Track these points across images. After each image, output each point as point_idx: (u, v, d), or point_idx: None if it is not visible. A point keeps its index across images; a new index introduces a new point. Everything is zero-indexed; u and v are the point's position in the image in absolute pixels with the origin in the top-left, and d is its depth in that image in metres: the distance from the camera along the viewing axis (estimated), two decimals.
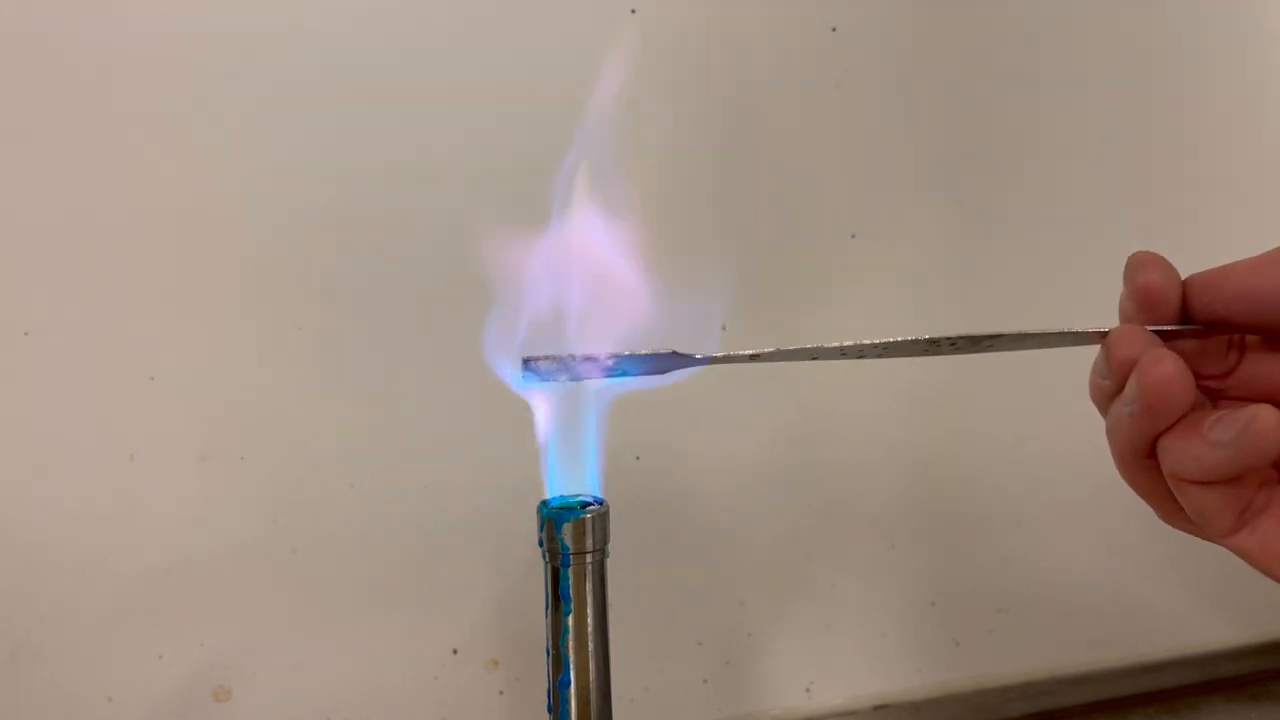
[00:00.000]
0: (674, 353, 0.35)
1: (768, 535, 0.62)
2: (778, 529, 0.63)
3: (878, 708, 0.65)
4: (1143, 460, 0.33)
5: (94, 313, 0.51)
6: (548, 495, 0.36)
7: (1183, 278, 0.33)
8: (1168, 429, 0.31)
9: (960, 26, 0.63)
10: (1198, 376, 0.34)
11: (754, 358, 0.35)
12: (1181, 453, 0.31)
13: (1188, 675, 0.71)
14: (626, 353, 0.34)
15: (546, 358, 0.34)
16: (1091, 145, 0.65)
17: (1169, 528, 0.67)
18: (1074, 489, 0.67)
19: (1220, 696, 0.70)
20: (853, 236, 0.61)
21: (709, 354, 0.35)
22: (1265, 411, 0.29)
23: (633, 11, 0.56)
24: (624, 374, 0.34)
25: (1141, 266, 0.33)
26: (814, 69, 0.60)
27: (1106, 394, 0.33)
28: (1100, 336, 0.34)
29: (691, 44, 0.58)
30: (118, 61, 0.49)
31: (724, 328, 0.60)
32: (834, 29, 0.60)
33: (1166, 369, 0.30)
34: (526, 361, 0.34)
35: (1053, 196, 0.65)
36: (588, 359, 0.34)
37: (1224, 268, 0.33)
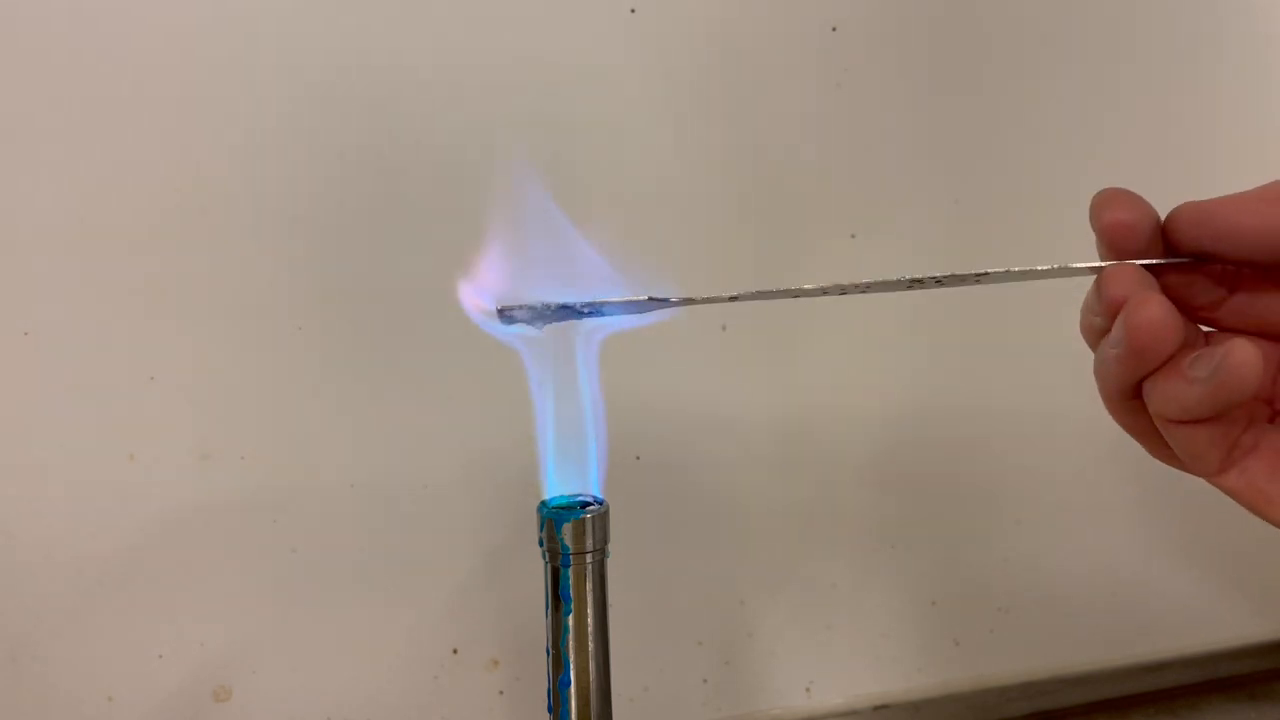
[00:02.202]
0: (650, 298, 0.35)
1: (768, 535, 0.62)
2: (778, 529, 0.63)
3: (878, 708, 0.65)
4: (1129, 401, 0.32)
5: (94, 313, 0.51)
6: (547, 495, 0.36)
7: (1167, 212, 0.33)
8: (1154, 370, 0.31)
9: (960, 26, 0.63)
10: (1189, 307, 0.33)
11: (733, 298, 0.35)
12: (1164, 392, 0.30)
13: (1188, 675, 0.71)
14: (602, 300, 0.34)
15: (521, 306, 0.34)
16: (1093, 145, 0.65)
17: (1170, 527, 0.67)
18: (1075, 489, 0.67)
19: (1220, 696, 0.70)
20: (853, 236, 0.61)
21: (686, 296, 0.35)
22: (1240, 346, 0.28)
23: (632, 11, 0.56)
24: (600, 313, 0.34)
25: (1108, 204, 0.33)
26: (814, 69, 0.60)
27: (1096, 330, 0.33)
28: (1094, 271, 0.33)
29: (691, 44, 0.58)
30: (117, 61, 0.49)
31: (724, 328, 0.60)
32: (834, 29, 0.60)
33: (1153, 312, 0.30)
34: (501, 310, 0.34)
35: (1054, 196, 0.65)
36: (563, 307, 0.34)
37: (1213, 201, 0.32)
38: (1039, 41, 0.64)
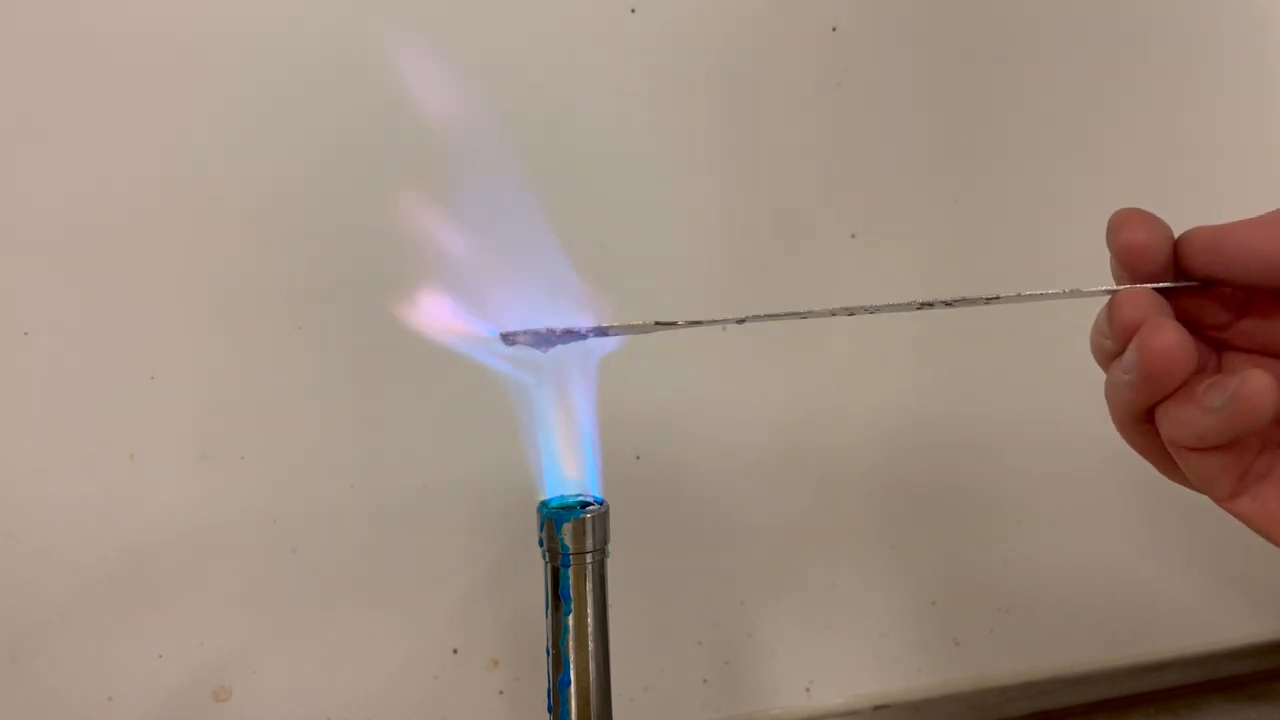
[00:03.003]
0: (656, 322, 0.35)
1: (768, 535, 0.62)
2: (778, 529, 0.63)
3: (878, 708, 0.65)
4: (1141, 425, 0.32)
5: (94, 313, 0.51)
6: (547, 495, 0.36)
7: (1178, 234, 0.33)
8: (1166, 396, 0.31)
9: (960, 25, 0.63)
10: (1201, 327, 0.33)
11: (740, 321, 0.35)
12: (1177, 419, 0.30)
13: (1188, 675, 0.71)
14: (607, 324, 0.34)
15: (525, 331, 0.34)
16: (1093, 144, 0.65)
17: (1170, 529, 0.67)
18: (1074, 489, 0.67)
19: (1220, 696, 0.70)
20: (853, 236, 0.61)
21: (692, 319, 0.35)
22: (1255, 376, 0.28)
23: (632, 11, 0.56)
24: (605, 335, 0.34)
25: (1125, 225, 0.33)
26: (814, 69, 0.60)
27: (1107, 353, 0.33)
28: (1106, 294, 0.33)
29: (691, 44, 0.58)
30: (117, 61, 0.49)
31: (724, 328, 0.60)
32: (834, 29, 0.60)
33: (1168, 339, 0.30)
34: (505, 336, 0.34)
35: (1054, 196, 0.65)
36: (567, 331, 0.34)
37: (1224, 227, 0.32)
38: (1039, 41, 0.64)
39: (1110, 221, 0.33)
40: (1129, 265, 0.32)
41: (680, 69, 0.58)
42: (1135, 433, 0.33)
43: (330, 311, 0.53)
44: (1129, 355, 0.31)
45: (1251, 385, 0.28)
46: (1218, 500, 0.32)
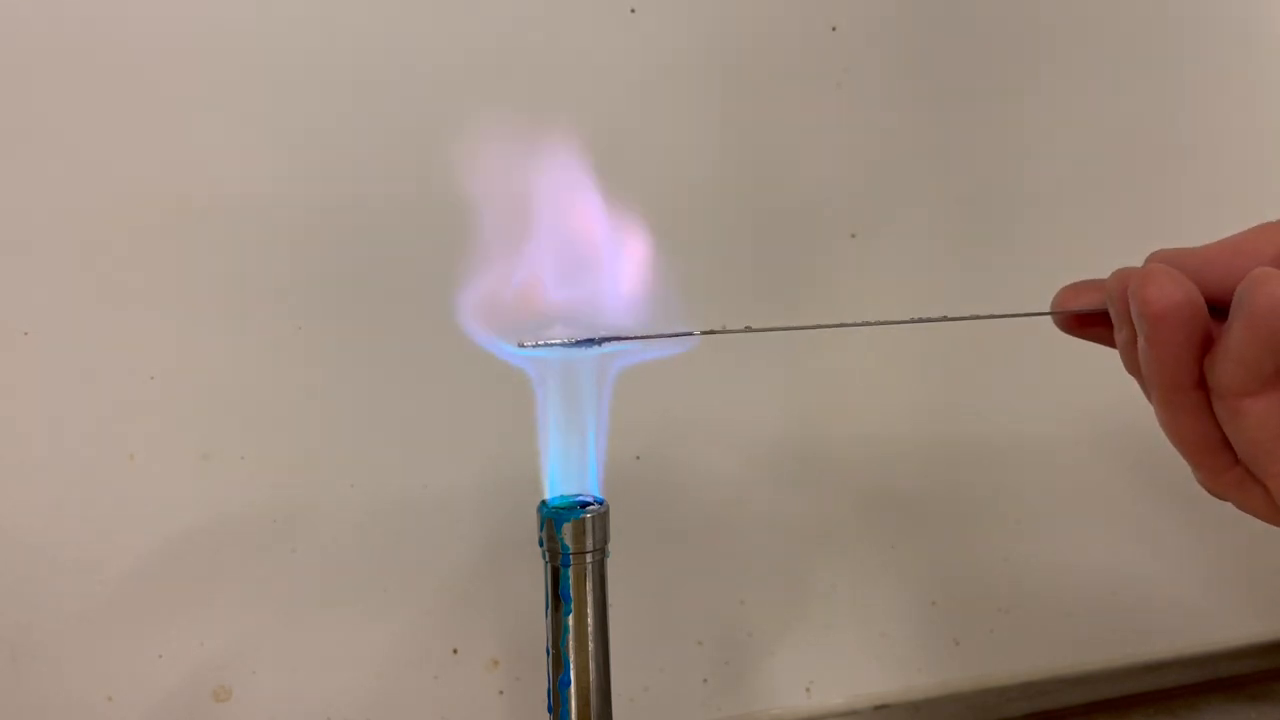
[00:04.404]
0: (676, 333, 0.35)
1: (768, 535, 0.62)
2: (778, 529, 0.63)
3: (878, 708, 0.65)
4: (1186, 394, 0.31)
5: (94, 313, 0.51)
6: (547, 495, 0.36)
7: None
8: (1200, 353, 0.30)
9: (960, 26, 0.63)
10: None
11: (748, 328, 0.35)
12: (1219, 361, 0.29)
13: (1188, 675, 0.71)
14: (622, 336, 0.34)
15: (542, 343, 0.34)
16: (1093, 145, 0.65)
17: (1169, 529, 0.67)
18: (1075, 490, 0.67)
19: (1220, 696, 0.70)
20: (853, 236, 0.61)
21: (703, 328, 0.35)
22: (1261, 269, 0.28)
23: (632, 11, 0.56)
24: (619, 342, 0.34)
25: (1065, 304, 0.34)
26: (814, 69, 0.60)
27: (1127, 345, 0.32)
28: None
29: (691, 44, 0.58)
30: (117, 60, 0.49)
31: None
32: (834, 29, 0.60)
33: (1160, 283, 0.29)
34: (521, 345, 0.34)
35: (1054, 197, 0.65)
36: (583, 342, 0.34)
37: (1179, 254, 0.32)
38: (1038, 41, 0.64)
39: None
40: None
41: (680, 69, 0.58)
42: (1181, 416, 0.31)
43: (330, 311, 0.53)
44: (1135, 319, 0.30)
45: (1260, 272, 0.28)
46: (1270, 476, 0.30)
